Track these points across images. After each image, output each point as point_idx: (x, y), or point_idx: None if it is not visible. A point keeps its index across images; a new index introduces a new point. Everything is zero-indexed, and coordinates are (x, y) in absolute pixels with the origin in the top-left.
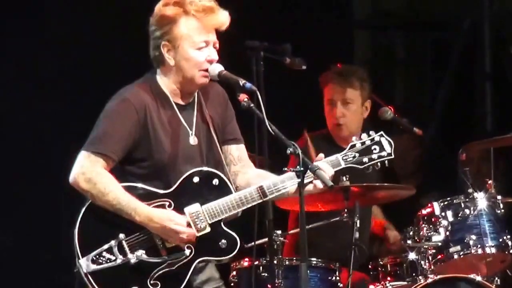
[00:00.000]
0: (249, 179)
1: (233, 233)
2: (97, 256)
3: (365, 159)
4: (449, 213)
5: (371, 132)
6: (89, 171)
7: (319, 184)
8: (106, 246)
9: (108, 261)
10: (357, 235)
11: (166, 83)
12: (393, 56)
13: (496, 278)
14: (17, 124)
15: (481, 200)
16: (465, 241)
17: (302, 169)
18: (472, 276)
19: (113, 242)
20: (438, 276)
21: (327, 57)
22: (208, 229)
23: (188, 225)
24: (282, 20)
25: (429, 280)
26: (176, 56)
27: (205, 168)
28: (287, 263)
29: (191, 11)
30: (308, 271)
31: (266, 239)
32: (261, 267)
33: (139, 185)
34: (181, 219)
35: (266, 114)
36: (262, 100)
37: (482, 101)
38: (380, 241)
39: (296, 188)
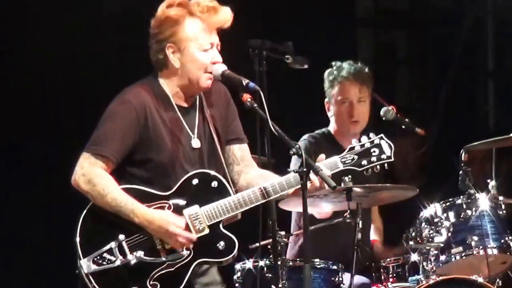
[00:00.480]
0: (251, 179)
1: (232, 235)
2: (98, 257)
3: (364, 162)
4: (451, 214)
5: (371, 135)
6: (89, 172)
7: (316, 182)
8: (106, 247)
9: (109, 262)
10: (359, 236)
11: (169, 85)
12: (395, 55)
13: (498, 280)
14: (17, 124)
15: (483, 201)
16: (467, 242)
17: (305, 169)
18: (473, 277)
19: (113, 243)
20: (440, 277)
21: (330, 56)
22: (206, 231)
23: (187, 227)
24: (284, 19)
25: (431, 282)
26: (182, 58)
27: (204, 170)
28: (291, 264)
29: (196, 12)
30: (312, 272)
31: (270, 240)
32: (265, 268)
33: (139, 187)
34: (180, 221)
35: (269, 114)
36: (265, 99)
37: (484, 100)
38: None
39: (294, 189)
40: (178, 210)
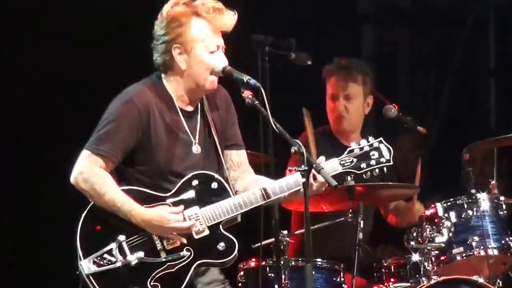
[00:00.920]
0: (247, 184)
1: (232, 237)
2: (98, 258)
3: (363, 165)
4: (452, 214)
5: (370, 138)
6: (88, 171)
7: (314, 184)
8: (107, 248)
9: (109, 262)
10: (361, 235)
11: (173, 87)
12: (398, 53)
13: (498, 280)
14: (18, 122)
15: (484, 201)
16: (468, 242)
17: (306, 168)
18: (474, 277)
19: (113, 244)
20: (441, 278)
21: (333, 53)
22: (206, 232)
23: (185, 220)
24: (287, 15)
25: (432, 282)
26: (189, 60)
27: (204, 172)
28: (293, 263)
29: (202, 12)
30: (313, 272)
31: (272, 240)
32: (268, 268)
33: (139, 188)
34: (176, 215)
35: (270, 111)
36: (267, 96)
37: (486, 99)
38: (384, 243)
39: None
40: (177, 207)
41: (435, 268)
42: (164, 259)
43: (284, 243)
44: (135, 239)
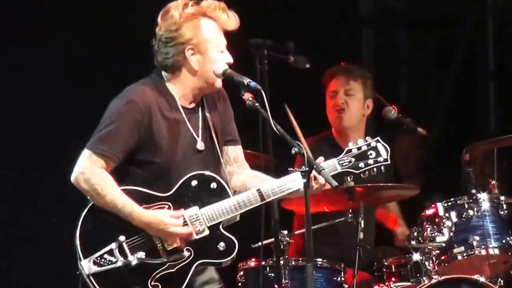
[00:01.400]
0: (244, 180)
1: (232, 237)
2: (99, 258)
3: (361, 164)
4: (453, 214)
5: (367, 138)
6: (89, 171)
7: (314, 185)
8: (107, 248)
9: (110, 263)
10: (361, 235)
11: (178, 87)
12: (397, 56)
13: (500, 279)
14: (19, 122)
15: (485, 201)
16: (469, 242)
17: (307, 169)
18: (475, 277)
19: (113, 244)
20: (442, 277)
21: (332, 56)
22: (206, 232)
23: (185, 223)
24: (286, 19)
25: (433, 281)
26: (202, 60)
27: (202, 172)
28: (293, 263)
29: (210, 12)
30: (314, 272)
31: (272, 239)
32: (268, 268)
33: (139, 188)
34: (177, 218)
35: (271, 113)
36: (267, 99)
37: (485, 101)
38: (385, 244)
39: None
40: (178, 211)
41: (436, 268)
42: (164, 260)
43: (284, 243)
44: (135, 240)
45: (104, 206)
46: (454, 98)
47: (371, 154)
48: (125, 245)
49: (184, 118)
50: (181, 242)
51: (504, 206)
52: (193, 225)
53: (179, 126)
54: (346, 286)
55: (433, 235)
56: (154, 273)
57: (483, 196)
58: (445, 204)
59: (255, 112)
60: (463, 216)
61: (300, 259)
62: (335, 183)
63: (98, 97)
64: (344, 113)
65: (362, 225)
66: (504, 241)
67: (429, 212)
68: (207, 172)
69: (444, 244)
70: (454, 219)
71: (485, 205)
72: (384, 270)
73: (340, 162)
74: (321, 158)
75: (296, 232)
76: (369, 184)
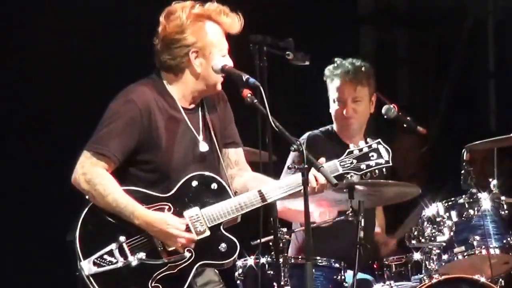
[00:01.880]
0: (245, 182)
1: (233, 237)
2: (99, 259)
3: (363, 166)
4: (453, 214)
5: (368, 139)
6: (90, 171)
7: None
8: (107, 249)
9: (110, 263)
10: (361, 234)
11: (179, 88)
12: (397, 54)
13: (500, 279)
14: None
15: (485, 200)
16: (469, 241)
17: (306, 166)
18: (476, 277)
19: (114, 245)
20: (443, 277)
21: (332, 54)
22: (207, 233)
23: (187, 229)
24: (286, 16)
25: (434, 281)
26: (206, 63)
27: (203, 172)
28: (292, 261)
29: (214, 16)
30: (314, 270)
31: (271, 237)
32: (267, 265)
33: (139, 188)
34: (179, 223)
35: (269, 110)
36: (266, 95)
37: (485, 100)
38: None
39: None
40: (178, 212)
41: (437, 267)
42: (165, 260)
43: (284, 240)
44: (135, 240)
45: (105, 206)
46: (454, 97)
47: (372, 156)
48: (125, 246)
49: (184, 118)
50: (181, 245)
51: (505, 206)
52: (194, 225)
53: (178, 126)
54: (346, 284)
55: (433, 234)
56: (155, 274)
57: (483, 196)
58: (446, 204)
59: (254, 109)
60: (464, 215)
61: (300, 257)
62: (334, 181)
63: (98, 97)
64: (353, 119)
65: (363, 224)
66: (504, 241)
67: (430, 211)
68: (207, 173)
69: (444, 244)
70: (455, 219)
71: (486, 204)
72: (385, 269)
73: (341, 163)
74: (322, 159)
75: (296, 230)
76: (369, 180)
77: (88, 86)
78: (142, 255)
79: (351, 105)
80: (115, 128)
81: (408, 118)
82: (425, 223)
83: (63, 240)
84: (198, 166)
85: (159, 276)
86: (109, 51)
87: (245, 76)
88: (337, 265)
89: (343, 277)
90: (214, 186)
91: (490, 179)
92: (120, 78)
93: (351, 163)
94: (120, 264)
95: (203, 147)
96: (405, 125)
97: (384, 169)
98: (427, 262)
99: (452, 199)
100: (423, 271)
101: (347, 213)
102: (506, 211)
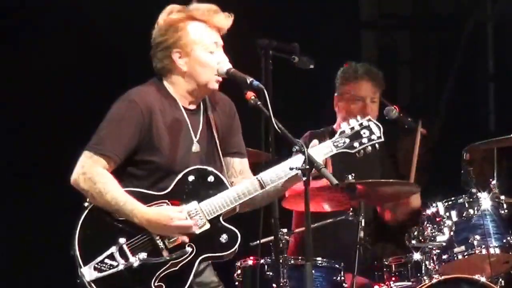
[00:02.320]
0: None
1: (233, 228)
2: (99, 264)
3: (356, 144)
4: (453, 213)
5: (358, 117)
6: (90, 171)
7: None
8: (107, 253)
9: (111, 267)
10: (362, 234)
11: (175, 88)
12: (398, 57)
13: (500, 279)
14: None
15: (485, 200)
16: (469, 241)
17: (307, 167)
18: (476, 277)
19: (114, 248)
20: (443, 277)
21: (334, 58)
22: (207, 226)
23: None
24: (290, 20)
25: (434, 281)
26: (189, 62)
27: (199, 166)
28: (292, 262)
29: (197, 15)
30: (313, 271)
31: (271, 238)
32: (266, 266)
33: (137, 189)
34: (179, 213)
35: (273, 112)
36: (270, 98)
37: (485, 102)
38: (383, 242)
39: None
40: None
41: (437, 267)
42: (167, 258)
43: (284, 241)
44: (135, 241)
45: (105, 205)
46: (455, 99)
47: (364, 133)
48: (125, 247)
49: (185, 118)
50: (183, 237)
51: (505, 206)
52: (194, 220)
53: (180, 126)
54: (346, 285)
55: (433, 234)
56: (158, 273)
57: (483, 196)
58: (446, 203)
59: (258, 111)
60: (464, 215)
61: (299, 257)
62: (335, 181)
63: (100, 100)
64: None
65: (363, 224)
66: (504, 240)
67: (430, 211)
68: (203, 166)
69: (444, 244)
70: (455, 218)
71: (486, 204)
72: (384, 269)
73: (335, 144)
74: (315, 141)
75: (296, 230)
76: (370, 180)
77: (89, 86)
78: (143, 255)
79: (370, 105)
80: (116, 128)
81: (409, 119)
82: (425, 222)
83: (63, 241)
84: (194, 165)
85: (162, 275)
86: (112, 53)
87: (249, 79)
88: (336, 265)
89: (342, 278)
90: (210, 178)
91: (490, 179)
92: (124, 80)
93: (344, 142)
94: (121, 267)
95: (195, 147)
96: (406, 126)
97: (377, 145)
98: (427, 262)
99: (452, 198)
100: (423, 271)
101: (347, 212)
102: (506, 211)
